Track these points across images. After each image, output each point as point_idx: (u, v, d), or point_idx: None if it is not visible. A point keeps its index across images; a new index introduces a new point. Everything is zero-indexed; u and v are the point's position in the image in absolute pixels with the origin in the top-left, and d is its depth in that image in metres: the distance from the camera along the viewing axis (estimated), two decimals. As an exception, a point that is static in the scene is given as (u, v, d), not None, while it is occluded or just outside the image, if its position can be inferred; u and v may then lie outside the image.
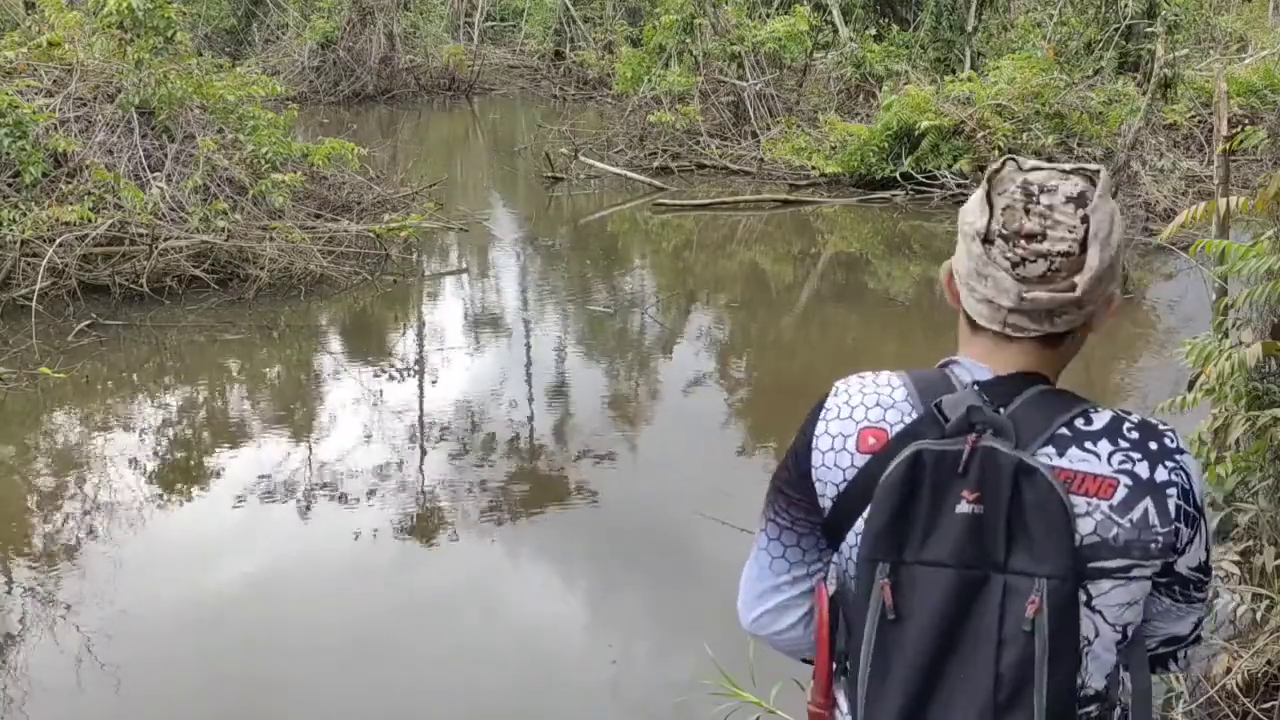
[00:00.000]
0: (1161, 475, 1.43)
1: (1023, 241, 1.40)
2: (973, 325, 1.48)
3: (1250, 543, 3.72)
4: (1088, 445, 1.42)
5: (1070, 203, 1.41)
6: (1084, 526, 1.39)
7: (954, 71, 15.12)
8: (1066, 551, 1.37)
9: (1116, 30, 14.20)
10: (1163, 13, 13.88)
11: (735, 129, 15.22)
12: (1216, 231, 4.30)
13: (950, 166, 12.48)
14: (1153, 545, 1.41)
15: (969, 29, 16.19)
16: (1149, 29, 13.73)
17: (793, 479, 1.52)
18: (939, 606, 1.36)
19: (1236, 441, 3.73)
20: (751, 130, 15.09)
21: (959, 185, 12.08)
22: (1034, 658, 1.35)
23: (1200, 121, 12.84)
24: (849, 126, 14.01)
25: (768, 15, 16.69)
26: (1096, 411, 1.45)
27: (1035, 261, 1.40)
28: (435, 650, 4.52)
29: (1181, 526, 1.44)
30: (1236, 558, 3.55)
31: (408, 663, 4.41)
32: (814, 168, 13.61)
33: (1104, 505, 1.40)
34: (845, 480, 1.46)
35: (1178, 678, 3.60)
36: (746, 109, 15.26)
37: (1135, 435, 1.44)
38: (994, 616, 1.36)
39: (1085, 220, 1.41)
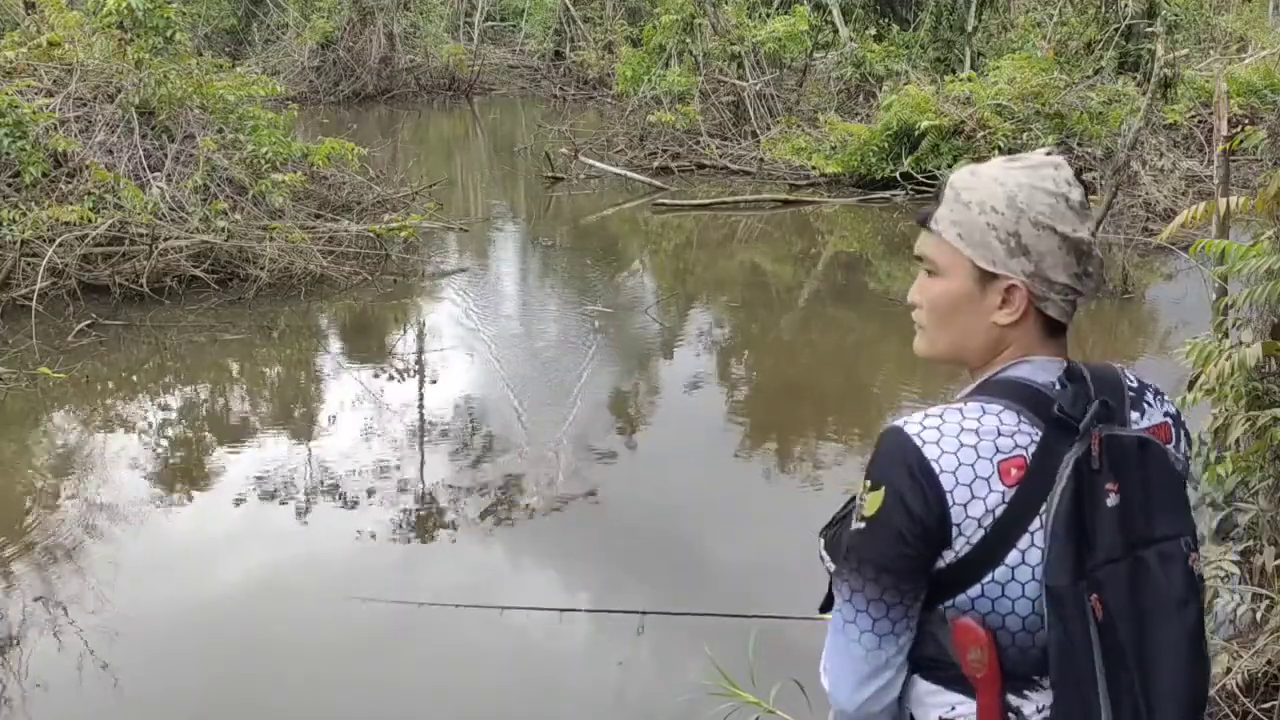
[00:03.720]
0: (1172, 408, 1.59)
1: (1095, 234, 1.51)
2: (1049, 327, 1.50)
3: (1250, 543, 3.72)
4: (1146, 399, 1.55)
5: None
6: None
7: (954, 71, 15.12)
8: (1187, 505, 1.49)
9: (1116, 30, 14.20)
10: (1163, 13, 13.88)
11: (735, 129, 15.22)
12: (1216, 231, 4.30)
13: (950, 166, 12.46)
14: (1185, 469, 1.57)
15: (969, 29, 16.18)
16: (1149, 29, 13.72)
17: (905, 551, 1.43)
18: (1126, 600, 1.41)
19: (1236, 441, 3.72)
20: (751, 130, 15.09)
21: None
22: (1203, 605, 1.47)
23: (1200, 121, 12.84)
24: (849, 126, 14.01)
25: (768, 15, 16.69)
26: (1116, 365, 1.58)
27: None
28: (436, 651, 4.52)
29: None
30: (1236, 558, 3.54)
31: (408, 663, 4.41)
32: (814, 168, 13.62)
33: (1170, 448, 1.53)
34: (993, 519, 1.41)
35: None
36: (746, 109, 15.26)
37: (1143, 379, 1.60)
38: (1164, 587, 1.43)
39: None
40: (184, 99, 10.03)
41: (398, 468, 6.19)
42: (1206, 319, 4.51)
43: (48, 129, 9.24)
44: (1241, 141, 4.41)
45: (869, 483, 1.46)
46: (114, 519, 5.58)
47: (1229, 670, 3.44)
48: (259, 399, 7.47)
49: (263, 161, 9.81)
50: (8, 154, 8.99)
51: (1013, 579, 1.41)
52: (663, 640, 4.56)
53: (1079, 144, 12.20)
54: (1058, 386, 1.46)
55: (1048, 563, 1.39)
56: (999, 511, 1.41)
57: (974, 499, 1.41)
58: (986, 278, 1.48)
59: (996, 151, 12.13)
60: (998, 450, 1.42)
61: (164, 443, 6.65)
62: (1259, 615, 3.57)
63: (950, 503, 1.41)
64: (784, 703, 3.41)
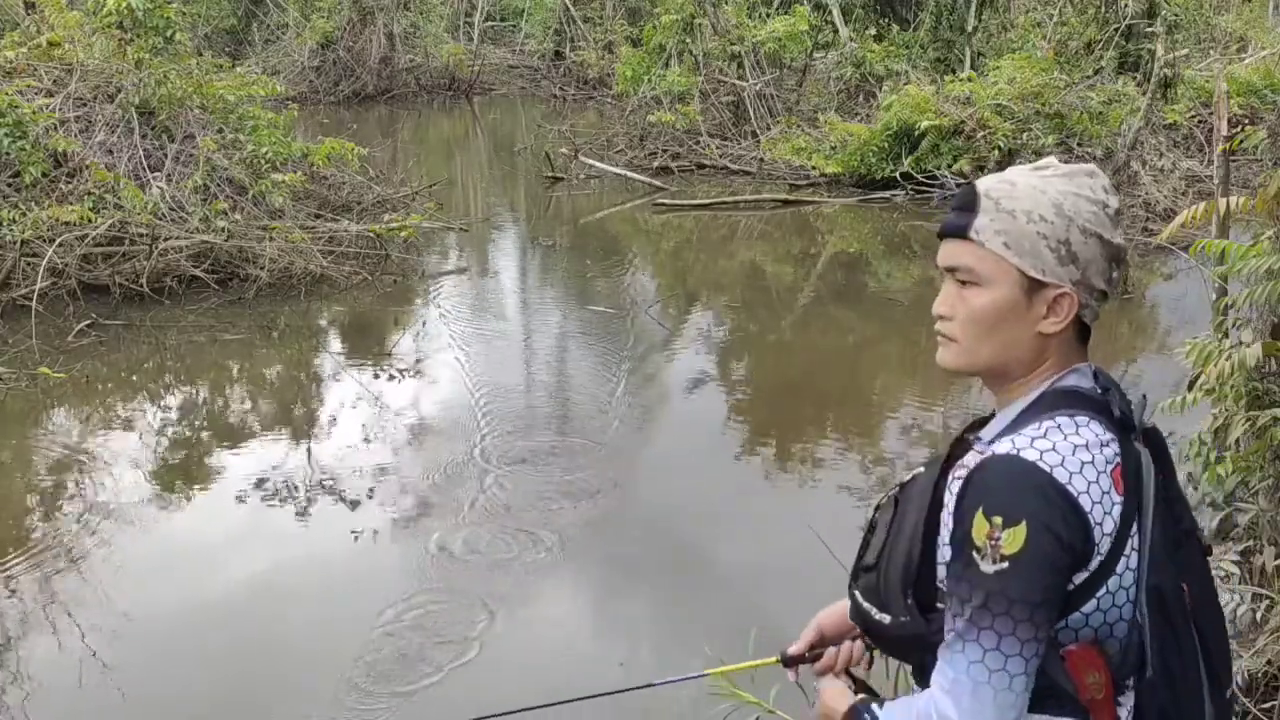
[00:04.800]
0: None
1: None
2: (1082, 334, 1.53)
3: (1250, 543, 3.72)
4: None
5: None
6: None
7: (954, 71, 15.12)
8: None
9: (1116, 30, 14.20)
10: (1163, 12, 13.88)
11: (735, 129, 15.22)
12: (1216, 231, 4.30)
13: (950, 166, 12.48)
14: None
15: (969, 29, 16.18)
16: (1149, 29, 13.72)
17: (1059, 582, 1.40)
18: (1199, 583, 1.50)
19: (1236, 441, 3.73)
20: (751, 130, 15.10)
21: (959, 185, 12.06)
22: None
23: (1200, 121, 12.84)
24: (849, 126, 14.01)
25: (768, 15, 16.69)
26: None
27: None
28: (436, 651, 4.52)
29: None
30: (1236, 558, 3.55)
31: (408, 664, 4.41)
32: (814, 168, 13.62)
33: None
34: (1115, 527, 1.43)
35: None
36: (746, 109, 15.26)
37: None
38: (1205, 568, 1.53)
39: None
40: (184, 99, 10.03)
41: (398, 468, 6.19)
42: (1206, 319, 4.51)
43: (48, 129, 9.24)
44: (1241, 141, 4.42)
45: (998, 519, 1.38)
46: (114, 519, 5.57)
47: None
48: (259, 399, 7.47)
49: (263, 161, 9.81)
50: (8, 154, 8.99)
51: (1121, 586, 1.43)
52: (663, 640, 4.56)
53: (1079, 144, 12.20)
54: (1099, 391, 1.50)
55: (1152, 562, 1.43)
56: (1119, 519, 1.43)
57: (1106, 515, 1.41)
58: (1034, 287, 1.47)
59: (996, 151, 12.14)
60: (1107, 461, 1.43)
61: (164, 443, 6.65)
62: (1259, 615, 3.57)
63: (1092, 522, 1.40)
64: (784, 703, 3.41)
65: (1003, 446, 1.43)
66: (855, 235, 12.32)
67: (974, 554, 1.39)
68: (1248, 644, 3.54)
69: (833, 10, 16.80)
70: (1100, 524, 1.40)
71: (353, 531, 5.48)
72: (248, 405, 7.34)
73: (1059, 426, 1.43)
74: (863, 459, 6.47)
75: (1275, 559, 3.58)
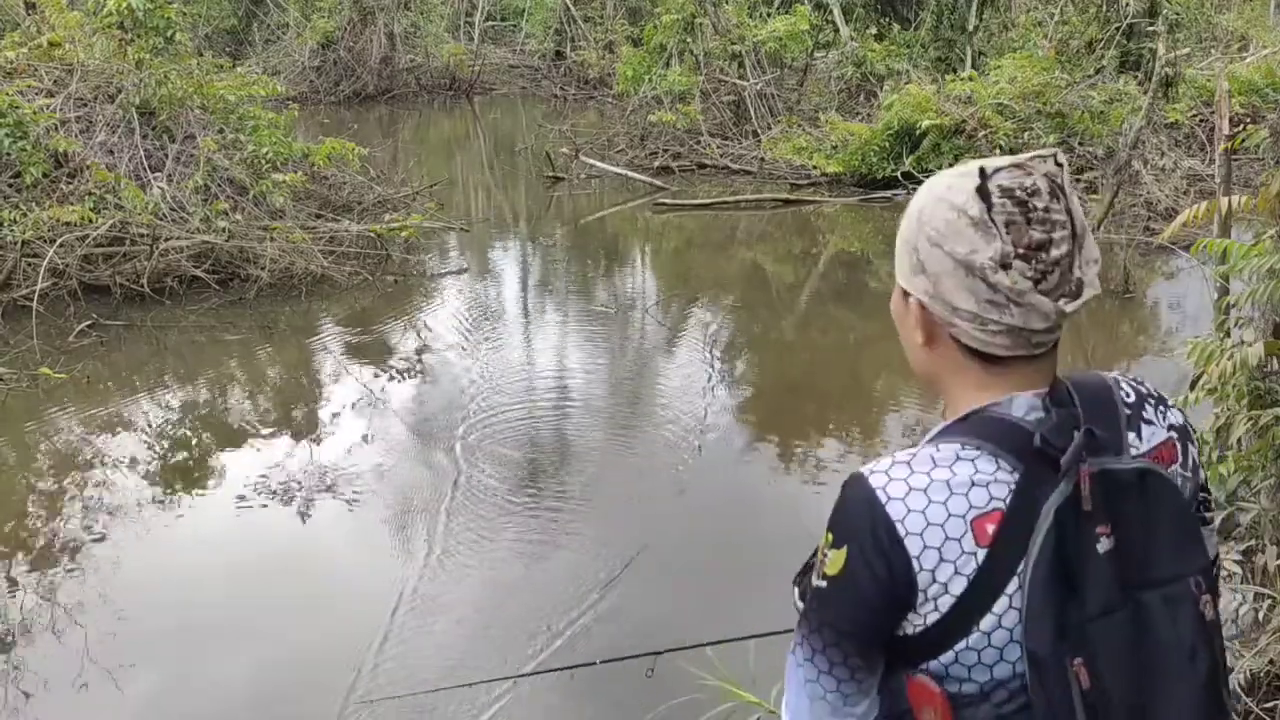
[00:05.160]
0: (1178, 418, 1.41)
1: (1039, 254, 1.28)
2: (987, 360, 1.33)
3: (1252, 542, 3.71)
4: (1145, 415, 1.38)
5: (1052, 198, 1.30)
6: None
7: (955, 71, 15.12)
8: (1199, 535, 1.34)
9: (1118, 29, 14.19)
10: (1164, 11, 13.87)
11: (736, 128, 15.22)
12: (1218, 230, 4.30)
13: (951, 166, 12.46)
14: (1197, 487, 1.41)
15: (970, 28, 16.18)
16: (1150, 28, 13.72)
17: (868, 619, 1.32)
18: (1124, 655, 1.26)
19: (1239, 441, 3.72)
20: (752, 130, 15.09)
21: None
22: (1220, 652, 1.31)
23: (1202, 120, 12.84)
24: (850, 126, 14.01)
25: (768, 15, 16.69)
26: (1109, 376, 1.40)
27: (1052, 272, 1.28)
28: (437, 653, 4.52)
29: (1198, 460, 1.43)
30: (1239, 557, 3.54)
31: (408, 664, 4.41)
32: (815, 167, 13.62)
33: (1176, 467, 1.38)
34: (967, 583, 1.28)
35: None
36: (747, 108, 15.25)
37: (1144, 387, 1.42)
38: (1172, 633, 1.28)
39: (1069, 211, 1.31)
40: (184, 99, 10.04)
41: (399, 468, 6.19)
42: (1208, 318, 4.51)
43: (48, 129, 9.24)
44: (1243, 140, 4.41)
45: (831, 537, 1.33)
46: (115, 519, 5.57)
47: (1231, 670, 3.44)
48: (259, 399, 7.47)
49: (263, 161, 9.81)
50: (8, 154, 9.00)
51: (989, 645, 1.29)
52: (664, 640, 4.55)
53: (1080, 143, 12.19)
54: (1040, 414, 1.31)
55: (1025, 624, 1.25)
56: (972, 575, 1.27)
57: (943, 562, 1.27)
58: (905, 293, 1.38)
59: (998, 151, 12.13)
60: (971, 506, 1.27)
61: (165, 443, 6.64)
62: (1261, 615, 3.57)
63: (917, 568, 1.27)
64: (785, 703, 3.40)
65: (870, 465, 1.34)
66: (856, 235, 12.31)
67: (815, 561, 1.37)
68: (1250, 643, 3.53)
69: (833, 9, 16.80)
70: (933, 572, 1.27)
71: (352, 531, 5.48)
72: (248, 405, 7.34)
73: (934, 456, 1.31)
74: (863, 459, 6.47)
75: (1277, 558, 3.57)
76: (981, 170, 1.30)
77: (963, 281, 1.29)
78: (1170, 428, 1.39)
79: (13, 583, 4.99)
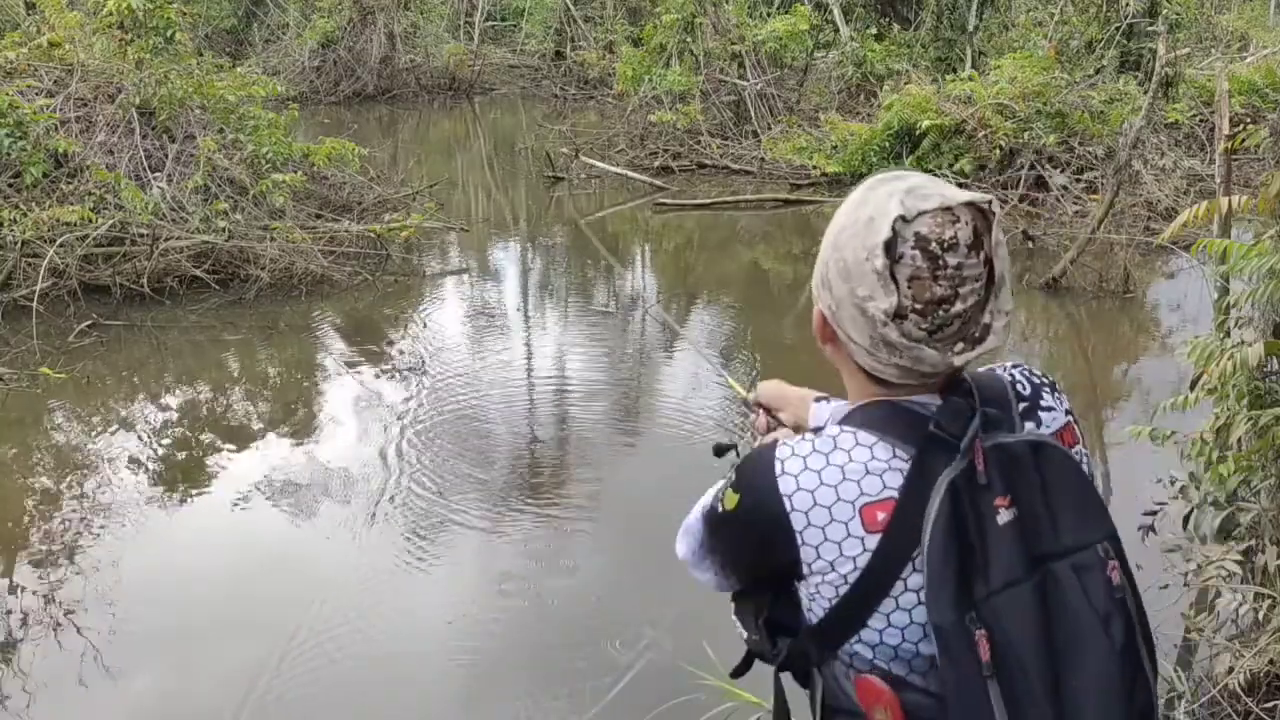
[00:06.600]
0: (1067, 402, 1.48)
1: (939, 309, 1.29)
2: (880, 381, 1.38)
3: (1252, 542, 3.71)
4: (1043, 401, 1.43)
5: (971, 250, 1.30)
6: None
7: (955, 70, 15.11)
8: (1101, 505, 1.37)
9: (1118, 29, 14.19)
10: (1164, 11, 13.87)
11: (736, 128, 15.21)
12: (1218, 231, 4.30)
13: (951, 166, 12.47)
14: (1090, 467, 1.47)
15: (970, 28, 16.18)
16: (1150, 28, 13.72)
17: (749, 560, 1.47)
18: (1032, 625, 1.27)
19: (1239, 441, 3.72)
20: (752, 130, 15.09)
21: (959, 185, 12.04)
22: (1135, 618, 1.33)
23: (1202, 120, 12.83)
24: (850, 126, 14.01)
25: (768, 14, 16.69)
26: (1003, 369, 1.46)
27: (951, 324, 1.30)
28: (437, 653, 4.52)
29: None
30: (1239, 557, 3.54)
31: (409, 665, 4.41)
32: (815, 167, 13.61)
33: (1078, 448, 1.43)
34: (857, 568, 1.32)
35: (1179, 677, 3.60)
36: (747, 108, 15.25)
37: (1037, 376, 1.47)
38: (1084, 601, 1.29)
39: (989, 263, 1.32)
40: (184, 99, 10.03)
41: (399, 468, 6.19)
42: (1208, 318, 4.51)
43: (48, 129, 9.24)
44: (1243, 140, 4.41)
45: (734, 477, 1.44)
46: (115, 519, 5.57)
47: (1231, 670, 3.44)
48: (260, 399, 7.47)
49: (263, 162, 9.81)
50: (8, 154, 9.00)
51: (889, 625, 1.32)
52: (663, 640, 4.55)
53: (1080, 143, 12.19)
54: (938, 403, 1.35)
55: (927, 599, 1.27)
56: (862, 560, 1.31)
57: (827, 542, 1.32)
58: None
59: (998, 151, 12.13)
60: (862, 493, 1.32)
61: (165, 443, 6.64)
62: (1261, 615, 3.57)
63: (800, 542, 1.33)
64: (785, 703, 3.40)
65: (793, 439, 1.41)
66: (856, 235, 12.29)
67: (720, 491, 1.49)
68: (1250, 644, 3.53)
69: (833, 9, 16.79)
70: (818, 549, 1.32)
71: (352, 531, 5.48)
72: (248, 406, 7.34)
73: (836, 440, 1.36)
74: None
75: (1277, 558, 3.57)
76: (901, 218, 1.29)
77: (858, 319, 1.33)
78: (1068, 412, 1.45)
79: (13, 583, 4.99)
